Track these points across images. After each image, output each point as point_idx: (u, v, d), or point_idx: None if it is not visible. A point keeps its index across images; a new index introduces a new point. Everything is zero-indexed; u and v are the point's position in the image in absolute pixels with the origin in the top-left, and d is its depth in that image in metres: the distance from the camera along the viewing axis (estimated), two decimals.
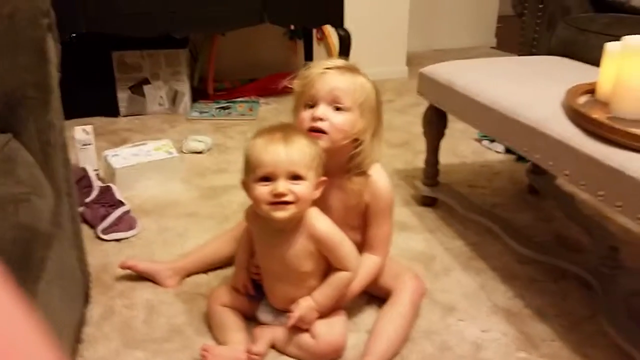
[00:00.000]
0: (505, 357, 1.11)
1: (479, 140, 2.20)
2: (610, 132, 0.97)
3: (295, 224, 1.06)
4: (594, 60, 1.58)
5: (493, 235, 1.53)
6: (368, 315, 1.22)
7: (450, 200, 1.64)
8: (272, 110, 2.63)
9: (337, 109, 1.08)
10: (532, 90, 1.30)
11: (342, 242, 1.08)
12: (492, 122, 1.28)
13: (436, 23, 3.82)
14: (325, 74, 1.09)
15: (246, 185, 1.06)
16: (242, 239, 1.20)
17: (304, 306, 1.08)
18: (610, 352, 1.12)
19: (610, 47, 1.15)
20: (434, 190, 1.68)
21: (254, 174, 1.02)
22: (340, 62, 1.13)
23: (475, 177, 1.92)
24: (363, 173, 1.14)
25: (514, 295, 1.30)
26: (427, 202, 1.70)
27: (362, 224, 1.18)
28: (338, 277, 1.09)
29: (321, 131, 1.07)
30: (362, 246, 1.19)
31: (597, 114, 1.05)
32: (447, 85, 1.45)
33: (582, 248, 1.50)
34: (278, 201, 1.00)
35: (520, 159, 2.03)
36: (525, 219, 1.64)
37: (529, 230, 1.57)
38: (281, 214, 1.01)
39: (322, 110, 1.08)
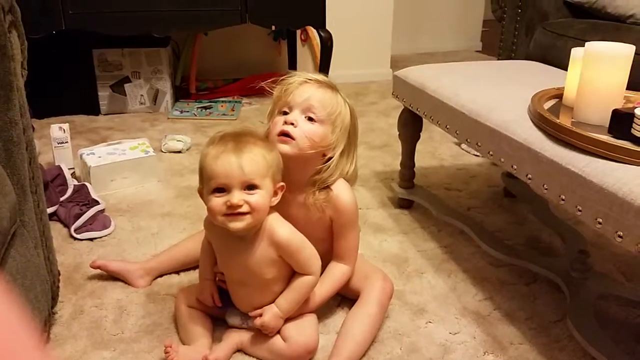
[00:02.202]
0: None
1: (459, 144, 2.21)
2: (571, 136, 0.98)
3: (255, 231, 1.05)
4: None
5: (466, 237, 1.54)
6: (338, 317, 1.22)
7: (425, 203, 1.64)
8: (254, 110, 2.63)
9: (310, 119, 1.09)
10: (501, 94, 1.31)
11: (303, 245, 1.07)
12: (460, 125, 1.29)
13: (422, 26, 3.84)
14: (304, 85, 1.11)
15: (202, 195, 1.05)
16: (203, 250, 1.17)
17: (269, 314, 1.07)
18: (576, 356, 1.13)
19: (575, 52, 1.16)
20: (410, 192, 1.69)
21: (208, 185, 1.00)
22: (322, 77, 1.15)
23: (451, 180, 1.92)
24: (325, 189, 1.14)
25: (484, 298, 1.31)
26: (403, 204, 1.70)
27: (328, 236, 1.19)
28: (301, 282, 1.09)
29: (290, 136, 1.08)
30: (329, 258, 1.19)
31: (562, 119, 1.06)
32: (420, 88, 1.45)
33: (553, 252, 1.51)
34: (233, 212, 0.99)
35: None
36: (499, 222, 1.65)
37: (502, 233, 1.58)
38: (237, 224, 1.00)
39: (294, 116, 1.09)
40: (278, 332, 1.09)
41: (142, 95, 2.49)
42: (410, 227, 1.61)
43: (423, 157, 2.05)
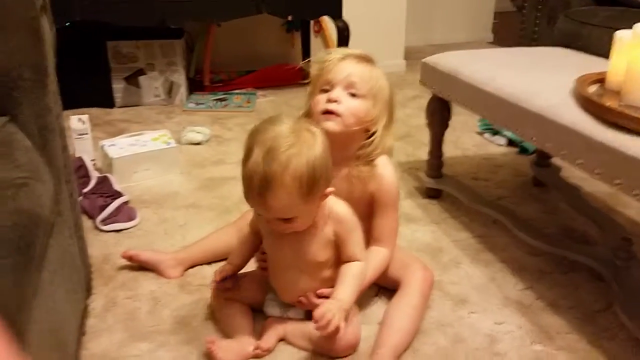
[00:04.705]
0: (521, 350, 1.09)
1: (481, 133, 2.18)
2: (625, 119, 0.95)
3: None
4: (596, 52, 1.56)
5: (499, 227, 1.50)
6: (377, 307, 1.19)
7: (455, 192, 1.61)
8: (269, 102, 2.59)
9: (352, 95, 1.08)
10: (539, 78, 1.27)
11: (358, 226, 1.05)
12: (499, 111, 1.25)
13: (433, 18, 3.80)
14: (344, 61, 1.10)
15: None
16: (242, 241, 1.13)
17: (333, 307, 0.97)
18: (628, 345, 1.10)
19: (620, 35, 1.12)
20: (438, 182, 1.66)
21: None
22: (360, 51, 1.13)
23: (478, 170, 1.89)
24: (370, 163, 1.12)
25: (525, 287, 1.28)
26: (432, 194, 1.67)
27: (368, 215, 1.16)
28: (354, 269, 1.05)
29: (334, 114, 1.06)
30: (368, 239, 1.16)
31: (609, 103, 1.02)
32: (452, 75, 1.42)
33: (590, 240, 1.48)
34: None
35: (523, 151, 2.02)
36: (531, 211, 1.62)
37: (536, 222, 1.55)
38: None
39: (338, 93, 1.08)
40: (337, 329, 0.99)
41: (156, 87, 2.45)
42: (441, 217, 1.58)
43: (446, 147, 2.01)
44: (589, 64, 1.41)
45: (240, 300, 1.12)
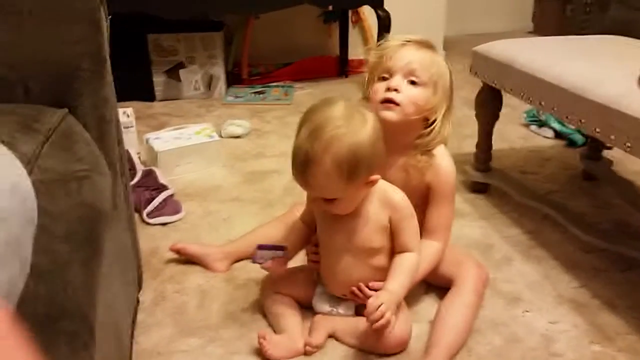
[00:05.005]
0: (579, 350, 1.05)
1: (527, 125, 2.12)
2: None
3: (367, 197, 1.01)
4: None
5: (550, 222, 1.46)
6: (429, 305, 1.17)
7: (504, 187, 1.57)
8: (307, 95, 2.57)
9: (412, 82, 1.06)
10: (601, 67, 1.22)
11: (413, 214, 1.03)
12: (558, 101, 1.20)
13: (471, 7, 3.72)
14: (404, 47, 1.07)
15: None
16: (293, 229, 1.13)
17: (386, 298, 0.95)
18: None
19: None
20: (486, 176, 1.61)
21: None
22: (419, 37, 1.10)
23: (525, 163, 1.84)
24: (428, 152, 1.10)
25: (580, 285, 1.24)
26: (479, 188, 1.63)
27: (423, 206, 1.13)
28: (408, 261, 1.02)
29: (394, 103, 1.04)
30: (421, 231, 1.14)
31: None
32: (507, 64, 1.37)
33: None
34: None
35: (571, 144, 1.95)
36: (582, 206, 1.56)
37: (588, 217, 1.50)
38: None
39: (397, 81, 1.05)
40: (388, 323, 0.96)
41: (196, 80, 2.45)
42: (490, 212, 1.54)
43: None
44: None
45: (289, 294, 1.11)
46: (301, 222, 1.13)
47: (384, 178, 1.08)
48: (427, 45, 1.09)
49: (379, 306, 0.93)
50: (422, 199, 1.12)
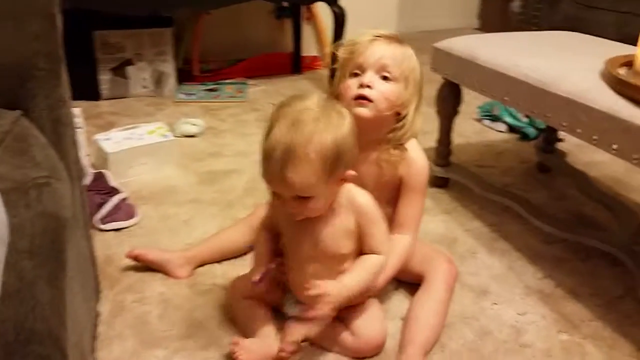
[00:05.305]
0: (548, 340, 1.07)
1: (480, 120, 2.15)
2: None
3: (334, 201, 0.97)
4: (602, 36, 1.54)
5: (510, 214, 1.48)
6: (399, 302, 1.16)
7: (464, 181, 1.58)
8: (261, 91, 2.53)
9: (385, 78, 1.04)
10: (562, 63, 1.24)
11: (380, 218, 1.01)
12: (524, 96, 1.21)
13: (421, 4, 3.76)
14: (375, 42, 1.05)
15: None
16: (259, 241, 1.06)
17: (333, 285, 0.94)
18: None
19: None
20: (447, 170, 1.63)
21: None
22: (389, 32, 1.09)
23: (481, 157, 1.87)
24: (400, 146, 1.09)
25: (544, 276, 1.26)
26: (440, 183, 1.64)
27: (395, 199, 1.12)
28: (371, 261, 1.00)
29: (368, 99, 1.03)
30: (391, 225, 1.13)
31: None
32: (469, 60, 1.38)
33: (601, 225, 1.46)
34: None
35: (524, 137, 2.00)
36: (540, 198, 1.60)
37: (547, 208, 1.53)
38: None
39: (370, 77, 1.04)
40: (337, 318, 0.98)
41: (145, 78, 2.36)
42: (452, 206, 1.55)
43: None
44: (606, 47, 1.39)
45: (259, 298, 1.08)
46: (264, 229, 1.07)
47: (357, 174, 1.06)
48: (397, 39, 1.08)
49: (326, 289, 0.92)
50: (395, 192, 1.12)
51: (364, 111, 1.03)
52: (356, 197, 0.99)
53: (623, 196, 1.61)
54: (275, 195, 0.94)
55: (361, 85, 1.03)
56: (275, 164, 0.87)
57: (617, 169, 1.78)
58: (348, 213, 0.98)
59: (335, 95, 1.08)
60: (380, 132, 1.08)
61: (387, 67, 1.03)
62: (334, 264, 1.00)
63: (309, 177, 0.88)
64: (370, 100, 1.03)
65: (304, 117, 0.88)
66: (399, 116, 1.08)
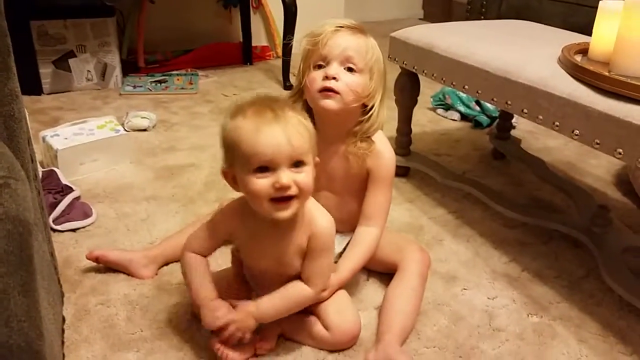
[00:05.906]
0: (520, 323, 1.09)
1: (434, 109, 2.18)
2: (628, 88, 0.95)
3: (292, 218, 0.91)
4: (547, 24, 1.59)
5: (472, 201, 1.51)
6: (372, 292, 1.15)
7: (425, 169, 1.59)
8: (213, 82, 2.47)
9: (350, 69, 1.02)
10: (520, 50, 1.27)
11: (331, 250, 0.97)
12: (484, 84, 1.23)
13: None
14: (338, 33, 1.02)
15: (228, 176, 0.89)
16: (202, 271, 0.98)
17: (242, 314, 0.93)
18: (614, 309, 1.13)
19: (605, 5, 1.13)
20: (407, 159, 1.63)
21: (246, 164, 0.84)
22: (351, 21, 1.06)
23: (438, 146, 1.89)
24: (367, 139, 1.07)
25: (510, 260, 1.29)
26: (401, 172, 1.64)
27: (362, 191, 1.12)
28: (298, 291, 0.95)
29: (333, 91, 1.00)
30: (359, 217, 1.13)
31: (605, 73, 1.03)
32: (427, 49, 1.38)
33: (558, 208, 1.51)
34: (282, 196, 0.85)
35: (477, 125, 2.04)
36: (498, 184, 1.63)
37: (506, 194, 1.57)
38: (284, 213, 0.86)
39: (335, 69, 1.01)
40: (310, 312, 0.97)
41: (88, 70, 2.25)
42: (414, 195, 1.56)
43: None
44: (558, 35, 1.43)
45: (225, 298, 1.03)
46: (197, 255, 0.99)
47: (325, 168, 1.05)
48: (360, 30, 1.05)
49: (233, 319, 0.91)
50: (363, 184, 1.11)
51: (330, 103, 1.01)
52: (317, 218, 0.93)
53: (578, 180, 1.67)
54: (259, 176, 0.84)
55: (326, 77, 1.01)
56: (272, 125, 0.83)
57: (569, 154, 1.84)
58: (303, 231, 0.93)
59: (299, 87, 1.07)
60: (347, 124, 1.07)
61: (351, 58, 1.01)
62: (289, 281, 0.97)
63: (306, 141, 0.86)
64: (336, 93, 1.01)
65: (270, 104, 0.86)
66: (364, 108, 1.06)
